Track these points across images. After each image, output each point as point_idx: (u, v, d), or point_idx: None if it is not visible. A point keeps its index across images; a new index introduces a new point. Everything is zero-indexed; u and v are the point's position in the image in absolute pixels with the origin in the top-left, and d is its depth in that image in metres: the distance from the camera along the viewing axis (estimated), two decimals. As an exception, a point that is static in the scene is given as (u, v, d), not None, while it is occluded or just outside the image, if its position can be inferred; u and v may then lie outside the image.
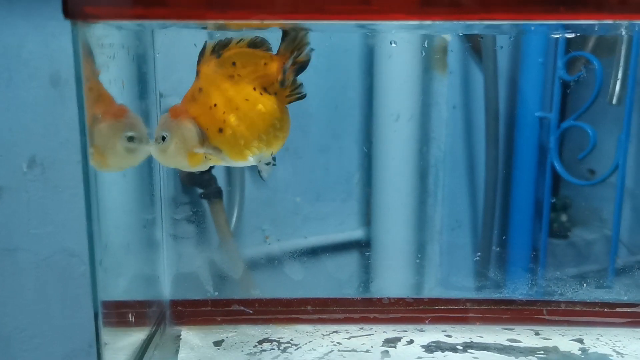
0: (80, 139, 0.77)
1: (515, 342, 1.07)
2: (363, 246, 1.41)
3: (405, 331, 1.10)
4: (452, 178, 1.47)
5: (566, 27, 1.00)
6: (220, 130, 0.83)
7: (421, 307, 1.14)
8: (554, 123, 1.41)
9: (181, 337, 1.08)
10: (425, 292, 1.40)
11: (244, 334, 1.08)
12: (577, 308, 1.14)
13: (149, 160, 0.92)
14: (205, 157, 0.84)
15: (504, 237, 1.47)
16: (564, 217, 1.56)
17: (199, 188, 1.30)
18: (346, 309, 1.14)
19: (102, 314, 0.81)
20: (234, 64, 0.83)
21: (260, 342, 1.06)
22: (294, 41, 0.85)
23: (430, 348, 1.04)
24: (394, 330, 1.11)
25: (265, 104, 0.84)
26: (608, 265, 1.44)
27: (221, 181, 1.32)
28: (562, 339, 1.08)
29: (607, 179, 1.41)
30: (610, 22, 0.78)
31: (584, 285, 1.17)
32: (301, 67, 0.87)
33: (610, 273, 1.43)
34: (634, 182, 1.47)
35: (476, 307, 1.14)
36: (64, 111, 1.13)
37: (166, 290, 1.13)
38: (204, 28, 0.91)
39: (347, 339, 1.08)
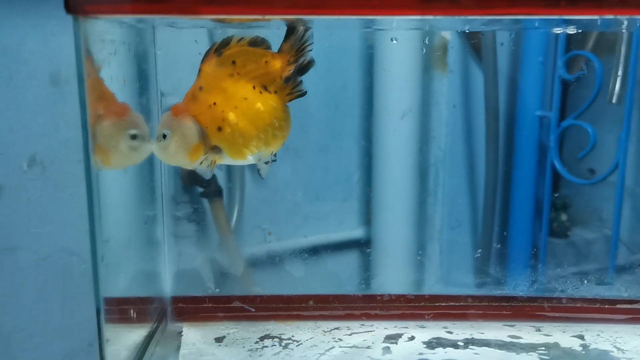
0: (82, 136, 0.77)
1: (516, 338, 1.07)
2: (363, 245, 1.41)
3: (406, 327, 1.10)
4: (452, 177, 1.47)
5: (567, 23, 1.00)
6: (220, 129, 0.84)
7: (422, 304, 1.14)
8: (554, 122, 1.41)
9: (182, 333, 1.08)
10: (426, 289, 1.40)
11: (245, 330, 1.08)
12: (578, 305, 1.14)
13: (150, 158, 0.93)
14: (207, 157, 0.84)
15: (504, 236, 1.47)
16: (563, 217, 1.56)
17: (199, 187, 1.30)
18: (347, 305, 1.14)
19: (104, 311, 0.81)
20: (233, 62, 0.84)
21: (262, 339, 1.06)
22: (300, 39, 0.85)
23: (431, 344, 1.04)
24: (395, 327, 1.11)
25: (265, 102, 0.85)
26: (608, 265, 1.44)
27: (221, 180, 1.33)
28: (563, 335, 1.08)
29: (607, 178, 1.41)
30: (611, 17, 0.78)
31: (585, 282, 1.17)
32: (307, 66, 0.87)
33: (611, 270, 1.43)
34: (634, 181, 1.47)
35: (477, 304, 1.14)
36: (64, 110, 1.14)
37: (167, 287, 1.13)
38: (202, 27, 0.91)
39: (349, 335, 1.08)
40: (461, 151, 1.49)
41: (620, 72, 1.36)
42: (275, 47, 0.87)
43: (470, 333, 1.08)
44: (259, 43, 0.85)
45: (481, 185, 1.48)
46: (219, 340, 1.06)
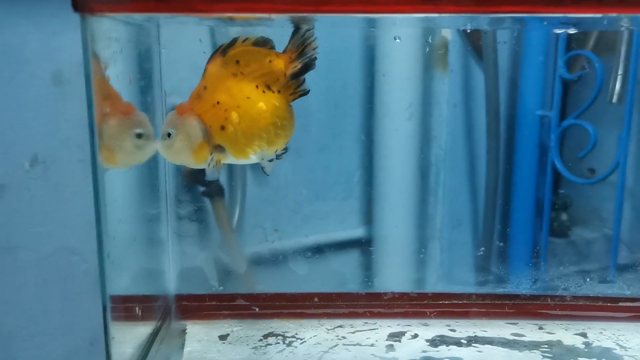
0: (89, 135, 0.77)
1: (519, 336, 1.07)
2: (364, 244, 1.41)
3: (410, 325, 1.11)
4: (452, 176, 1.47)
5: (569, 21, 1.00)
6: (223, 128, 0.84)
7: (425, 302, 1.15)
8: (554, 121, 1.41)
9: (187, 331, 1.08)
10: (429, 287, 1.40)
11: (249, 328, 1.09)
12: (581, 302, 1.14)
13: (155, 157, 0.93)
14: (213, 158, 0.85)
15: (504, 235, 1.47)
16: (564, 216, 1.56)
17: (200, 186, 1.30)
18: (351, 303, 1.14)
19: (110, 308, 0.81)
20: (237, 62, 0.84)
21: (266, 336, 1.06)
22: (305, 38, 0.86)
23: (434, 342, 1.05)
24: (398, 325, 1.11)
25: (267, 101, 0.85)
26: (608, 264, 1.44)
27: (223, 179, 1.33)
28: (565, 333, 1.08)
29: (608, 178, 1.41)
30: (614, 15, 0.79)
31: (587, 280, 1.18)
32: (309, 64, 0.87)
33: (612, 269, 1.43)
34: (635, 180, 1.47)
35: (480, 302, 1.15)
36: (65, 109, 1.14)
37: (171, 285, 1.13)
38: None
39: (352, 333, 1.08)
40: (462, 150, 1.49)
41: (620, 72, 1.37)
42: (279, 47, 0.87)
43: (473, 331, 1.09)
44: (263, 43, 0.86)
45: (482, 184, 1.48)
46: (223, 338, 1.06)
